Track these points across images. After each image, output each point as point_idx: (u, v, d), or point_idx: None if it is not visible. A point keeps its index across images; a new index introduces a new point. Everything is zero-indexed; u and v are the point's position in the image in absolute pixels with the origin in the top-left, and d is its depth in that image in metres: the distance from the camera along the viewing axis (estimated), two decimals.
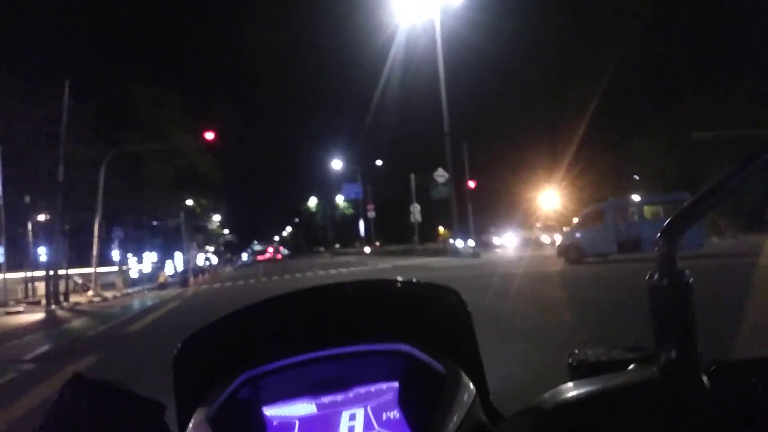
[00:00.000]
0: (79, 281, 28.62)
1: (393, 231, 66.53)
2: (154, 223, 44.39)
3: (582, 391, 0.43)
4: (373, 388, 0.80)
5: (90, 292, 23.40)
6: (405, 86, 45.97)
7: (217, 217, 69.05)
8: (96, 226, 23.48)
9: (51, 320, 15.42)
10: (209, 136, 23.19)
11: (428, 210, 40.38)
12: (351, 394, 0.79)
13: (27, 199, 21.25)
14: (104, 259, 32.21)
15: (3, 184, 22.14)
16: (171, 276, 31.24)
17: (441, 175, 38.73)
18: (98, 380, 0.64)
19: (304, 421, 0.78)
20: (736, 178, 0.40)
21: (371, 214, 53.31)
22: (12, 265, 23.92)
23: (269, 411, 0.79)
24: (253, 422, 0.78)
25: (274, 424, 0.78)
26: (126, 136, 28.35)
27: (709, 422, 0.38)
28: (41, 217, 24.75)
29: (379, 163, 59.60)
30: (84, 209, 25.61)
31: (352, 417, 0.78)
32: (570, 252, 17.80)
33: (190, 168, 33.47)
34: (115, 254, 38.29)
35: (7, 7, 23.82)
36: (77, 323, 14.16)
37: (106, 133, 27.58)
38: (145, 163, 29.55)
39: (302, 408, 0.79)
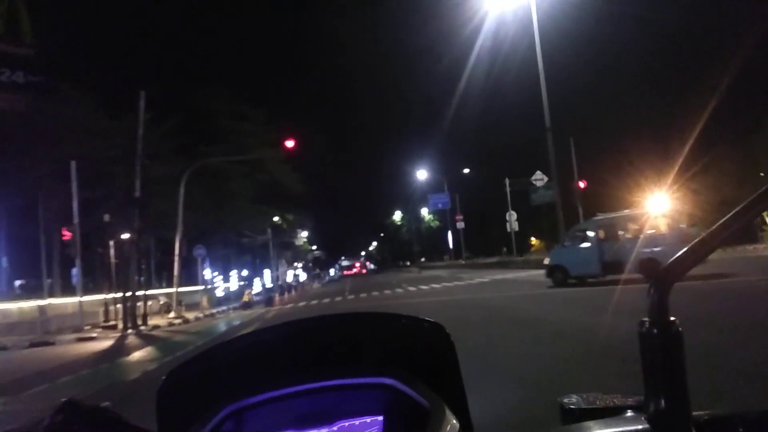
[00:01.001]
0: (163, 302, 27.96)
1: (482, 243, 62.75)
2: (243, 240, 43.99)
3: None
4: (357, 421, 0.79)
5: (171, 314, 22.25)
6: (493, 88, 42.78)
7: (304, 234, 68.75)
8: (177, 244, 22.37)
9: (116, 348, 13.89)
10: (290, 144, 21.49)
11: (518, 219, 36.65)
12: (335, 428, 0.79)
13: (106, 217, 20.39)
14: (193, 278, 31.68)
15: (81, 204, 21.62)
16: (257, 294, 29.88)
17: (539, 178, 35.05)
18: (89, 406, 0.64)
19: None
20: (737, 221, 0.38)
21: (460, 224, 50.09)
22: (95, 287, 23.41)
23: None
24: None
25: None
26: (208, 150, 27.47)
27: None
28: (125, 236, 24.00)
29: (466, 171, 56.48)
30: (167, 228, 24.77)
31: None
32: (555, 273, 16.73)
33: (273, 182, 32.32)
34: (207, 273, 38.12)
35: (87, 24, 23.52)
36: (141, 353, 12.43)
37: (188, 148, 26.69)
38: (227, 179, 28.61)
39: None
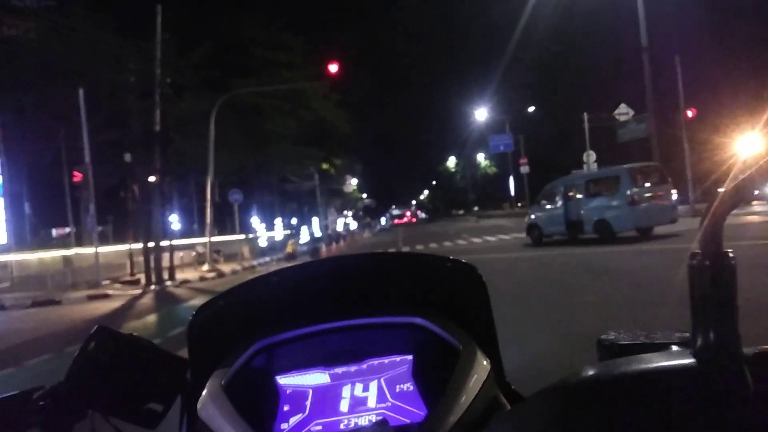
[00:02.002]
0: (198, 252, 25.70)
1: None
2: (287, 186, 41.39)
3: (611, 370, 0.42)
4: (387, 360, 0.80)
5: (204, 266, 19.77)
6: (565, 6, 37.05)
7: (353, 181, 65.98)
8: (208, 188, 19.62)
9: (122, 312, 11.26)
10: (333, 68, 17.89)
11: (598, 161, 31.84)
12: (365, 366, 0.80)
13: (127, 157, 17.68)
14: (239, 227, 29.30)
15: (106, 144, 19.06)
16: (303, 244, 27.18)
17: (624, 112, 30.09)
18: (122, 333, 0.65)
19: (318, 390, 0.79)
20: None
21: (524, 169, 45.49)
22: (124, 237, 21.16)
23: (283, 380, 0.80)
24: (267, 391, 0.79)
25: (288, 392, 0.79)
26: (242, 84, 24.25)
27: (745, 411, 0.37)
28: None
29: (531, 109, 51.17)
30: (203, 171, 22.05)
31: (366, 388, 0.78)
32: (533, 231, 16.46)
33: (317, 120, 28.96)
34: (255, 222, 35.89)
35: None
36: (144, 322, 9.69)
37: (220, 81, 23.56)
38: (265, 116, 25.43)
39: (316, 378, 0.79)
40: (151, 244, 16.53)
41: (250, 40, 25.93)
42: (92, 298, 13.84)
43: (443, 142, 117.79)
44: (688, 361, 0.40)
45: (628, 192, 13.09)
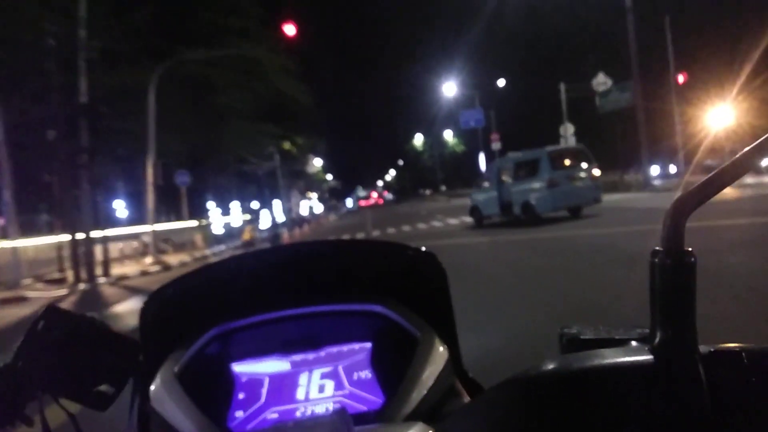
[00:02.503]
0: (146, 242, 23.14)
1: None
2: (246, 168, 38.69)
3: (570, 364, 0.42)
4: (345, 347, 0.79)
5: (148, 258, 17.35)
6: None
7: (317, 161, 63.50)
8: (149, 170, 17.11)
9: (24, 323, 8.93)
10: (290, 30, 15.55)
11: (577, 134, 30.27)
12: (323, 353, 0.79)
13: (50, 135, 15.02)
14: (195, 212, 26.68)
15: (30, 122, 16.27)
16: (264, 230, 24.82)
17: (602, 81, 28.63)
18: (73, 313, 0.64)
19: (274, 378, 0.78)
20: (756, 155, 0.37)
21: (496, 145, 43.91)
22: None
23: (238, 368, 0.78)
24: (222, 378, 0.78)
25: (243, 380, 0.78)
26: (189, 54, 21.50)
27: (698, 408, 0.38)
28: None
29: (501, 83, 49.45)
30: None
31: (323, 376, 0.77)
32: (474, 212, 16.51)
33: (275, 94, 26.40)
34: (211, 206, 33.19)
35: None
36: None
37: (163, 50, 20.80)
38: (216, 90, 22.72)
39: (272, 365, 0.78)
40: (81, 236, 14.04)
41: (197, 3, 23.10)
42: (5, 302, 11.40)
43: (410, 120, 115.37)
44: (646, 357, 0.40)
45: (547, 175, 13.36)
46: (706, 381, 0.38)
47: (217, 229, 26.16)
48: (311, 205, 68.69)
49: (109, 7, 18.64)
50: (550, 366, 0.43)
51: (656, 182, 23.10)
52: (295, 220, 42.60)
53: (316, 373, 0.78)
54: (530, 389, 0.43)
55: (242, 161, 37.27)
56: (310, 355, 0.79)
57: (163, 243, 22.76)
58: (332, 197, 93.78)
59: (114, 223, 31.34)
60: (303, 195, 67.37)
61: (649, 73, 21.09)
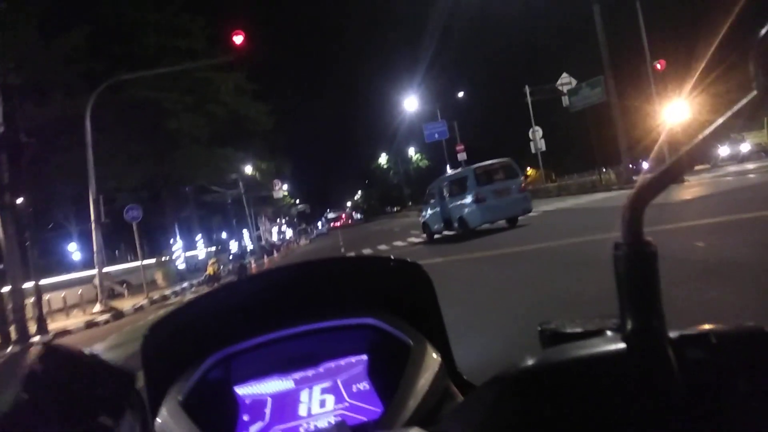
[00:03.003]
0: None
1: None
2: (207, 198, 36.79)
3: (547, 358, 0.45)
4: (342, 362, 0.82)
5: (97, 306, 15.41)
6: None
7: (284, 186, 61.82)
8: (91, 204, 15.28)
9: None
10: (238, 39, 14.14)
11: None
12: (321, 369, 0.81)
13: None
14: (158, 249, 24.65)
15: None
16: (230, 260, 22.96)
17: (566, 82, 28.03)
18: (70, 350, 0.65)
19: (276, 397, 0.80)
20: (707, 144, 0.39)
21: (462, 156, 43.10)
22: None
23: (241, 390, 0.81)
24: (226, 402, 0.80)
25: (247, 402, 0.80)
26: (133, 80, 19.83)
27: (669, 393, 0.39)
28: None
29: (461, 94, 48.94)
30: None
31: (324, 391, 0.80)
32: (425, 228, 17.07)
33: (231, 116, 24.78)
34: (177, 240, 31.06)
35: None
36: None
37: (103, 76, 19.07)
38: (165, 114, 21.00)
39: (274, 385, 0.81)
40: (7, 288, 12.12)
41: (139, 24, 21.46)
42: None
43: (374, 139, 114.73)
44: (618, 346, 0.42)
45: (474, 191, 13.88)
46: (676, 364, 0.39)
47: (180, 264, 24.18)
48: (282, 230, 66.68)
49: (35, 32, 16.92)
50: (532, 361, 0.44)
51: (638, 177, 22.40)
52: (264, 248, 40.74)
53: (317, 389, 0.80)
54: (515, 384, 0.44)
55: (205, 191, 35.39)
56: (310, 372, 0.82)
57: (118, 286, 20.76)
58: (302, 221, 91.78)
59: (67, 267, 29.06)
60: (272, 221, 65.35)
61: (619, 67, 20.34)
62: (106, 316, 14.33)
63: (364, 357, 0.82)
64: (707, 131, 0.39)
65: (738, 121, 0.37)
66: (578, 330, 0.53)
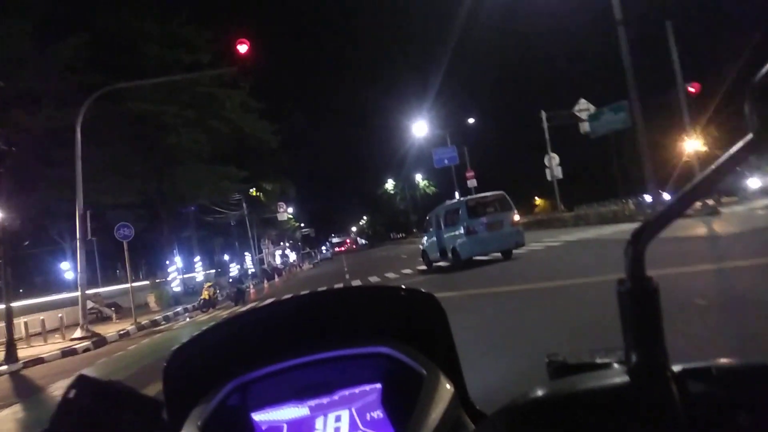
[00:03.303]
0: (89, 308, 19.73)
1: None
2: (208, 218, 35.71)
3: (554, 390, 0.46)
4: (357, 390, 0.83)
5: (77, 331, 14.10)
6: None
7: (289, 209, 60.85)
8: (77, 220, 14.12)
9: None
10: (242, 48, 13.19)
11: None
12: (336, 397, 0.83)
13: None
14: (138, 271, 23.39)
15: None
16: (230, 282, 21.65)
17: (584, 108, 27.02)
18: (100, 380, 0.68)
19: (292, 424, 0.82)
20: (707, 185, 0.40)
21: (472, 182, 42.01)
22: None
23: (258, 416, 0.83)
24: (243, 428, 0.81)
25: (263, 428, 0.82)
26: (132, 92, 18.89)
27: (673, 423, 0.39)
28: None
29: (473, 119, 48.09)
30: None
31: (338, 419, 0.81)
32: (424, 257, 17.00)
33: (235, 134, 23.76)
34: (175, 261, 29.70)
35: None
36: None
37: (101, 87, 18.23)
38: (164, 128, 19.97)
39: (290, 412, 0.82)
40: None
41: (141, 35, 20.61)
42: None
43: (381, 164, 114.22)
44: (623, 379, 0.43)
45: (465, 223, 13.81)
46: (678, 397, 0.40)
47: (176, 287, 22.90)
48: (285, 253, 65.36)
49: (29, 38, 16.02)
50: (539, 393, 0.45)
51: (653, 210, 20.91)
52: (267, 271, 39.42)
53: (331, 417, 0.82)
54: (524, 415, 0.46)
55: (207, 211, 34.29)
56: (325, 400, 0.83)
57: (106, 308, 19.48)
58: (306, 245, 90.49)
59: (60, 287, 27.81)
60: (276, 245, 64.13)
61: (644, 92, 19.23)
62: (86, 343, 13.03)
63: (378, 385, 0.83)
64: (706, 172, 0.39)
65: (736, 162, 0.38)
66: (584, 362, 0.53)
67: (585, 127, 26.53)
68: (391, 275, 17.24)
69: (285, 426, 0.82)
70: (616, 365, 0.48)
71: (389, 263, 24.27)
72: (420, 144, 53.56)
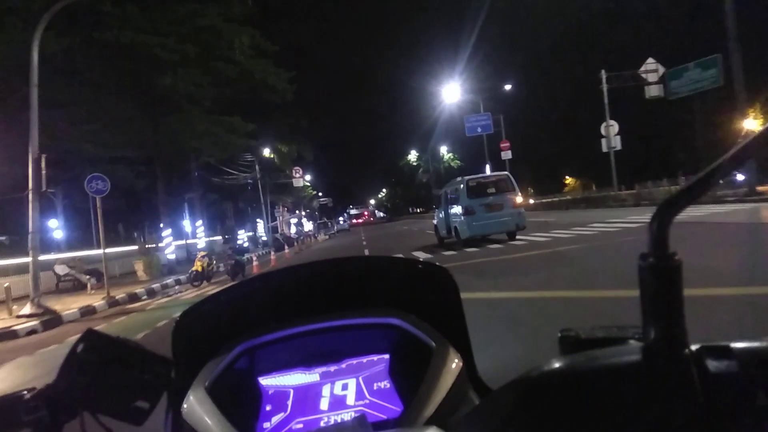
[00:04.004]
0: (60, 273, 16.93)
1: (533, 176, 50.82)
2: (216, 179, 32.80)
3: (566, 365, 0.45)
4: (365, 359, 0.84)
5: (27, 307, 11.20)
6: None
7: (306, 177, 57.87)
8: (30, 166, 11.11)
9: None
10: None
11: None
12: (344, 365, 0.84)
13: None
14: (116, 234, 20.58)
15: None
16: (228, 253, 18.71)
17: (652, 69, 23.18)
18: (110, 336, 0.68)
19: (299, 390, 0.82)
20: (732, 164, 0.40)
21: (506, 154, 38.29)
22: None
23: (265, 381, 0.83)
24: (249, 391, 0.82)
25: (270, 393, 0.83)
26: (118, 15, 15.64)
27: (688, 403, 0.39)
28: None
29: (507, 87, 43.98)
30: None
31: (345, 387, 0.82)
32: (437, 233, 16.87)
33: (245, 79, 20.41)
34: (187, 224, 26.77)
35: None
36: None
37: (81, 13, 15.12)
38: (157, 64, 16.68)
39: (297, 378, 0.83)
40: None
41: None
42: None
43: (405, 134, 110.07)
44: (638, 356, 0.42)
45: (464, 203, 13.66)
46: (696, 375, 0.39)
47: (170, 254, 20.04)
48: (300, 222, 62.64)
49: None
50: (550, 367, 0.45)
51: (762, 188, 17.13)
52: (279, 240, 36.61)
53: (338, 385, 0.82)
54: (532, 390, 0.45)
55: (216, 172, 31.30)
56: (332, 368, 0.83)
57: (83, 275, 16.67)
58: (323, 215, 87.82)
59: (49, 247, 25.29)
60: (291, 212, 61.34)
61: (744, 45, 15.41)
62: (33, 323, 10.13)
63: (387, 356, 0.83)
64: (733, 151, 0.39)
65: (764, 142, 0.38)
66: (598, 337, 0.53)
67: (652, 90, 22.76)
68: (420, 255, 14.08)
69: (291, 391, 0.82)
70: (632, 342, 0.47)
71: (413, 239, 21.24)
72: (449, 112, 49.73)
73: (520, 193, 13.84)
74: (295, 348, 0.85)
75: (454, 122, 52.45)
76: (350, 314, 0.86)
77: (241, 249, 17.63)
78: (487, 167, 43.03)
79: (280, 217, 47.23)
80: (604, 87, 23.36)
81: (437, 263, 0.90)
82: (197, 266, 16.12)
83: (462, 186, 14.12)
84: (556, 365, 0.45)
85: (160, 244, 21.06)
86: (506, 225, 13.53)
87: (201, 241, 25.10)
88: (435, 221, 17.27)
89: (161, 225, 20.84)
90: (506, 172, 14.56)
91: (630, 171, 27.14)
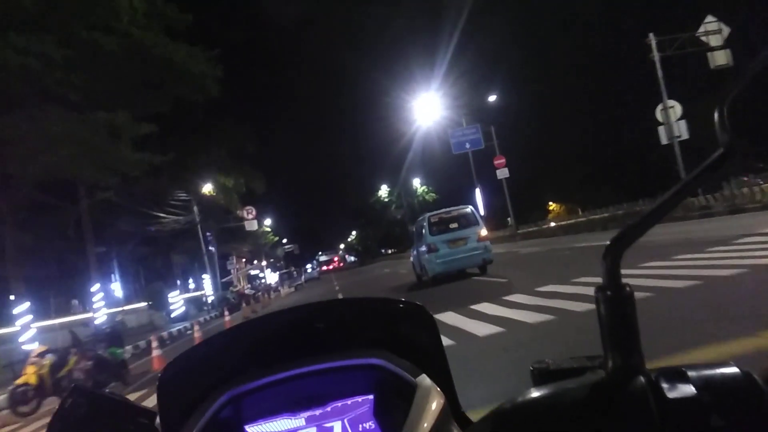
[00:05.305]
0: None
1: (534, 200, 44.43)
2: (150, 228, 25.30)
3: (537, 395, 0.49)
4: (349, 401, 0.84)
5: None
6: None
7: (266, 222, 49.96)
8: None
9: None
10: None
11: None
12: (329, 408, 0.83)
13: None
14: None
15: None
16: (94, 337, 10.75)
17: (714, 29, 17.18)
18: (96, 391, 0.70)
19: None
20: (679, 198, 0.43)
21: (502, 172, 31.78)
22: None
23: (251, 429, 0.83)
24: None
25: None
26: None
27: (648, 425, 0.42)
28: None
29: (492, 99, 37.88)
30: None
31: (330, 430, 0.82)
32: (413, 268, 16.29)
33: (140, 59, 12.92)
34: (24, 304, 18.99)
35: None
36: None
37: None
38: None
39: (283, 424, 0.83)
40: None
41: None
42: None
43: (373, 170, 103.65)
44: (602, 382, 0.46)
45: (427, 240, 13.49)
46: (653, 399, 0.42)
47: (28, 342, 12.18)
48: (259, 276, 54.45)
49: None
50: (522, 399, 0.48)
51: None
52: (230, 300, 28.79)
53: (324, 428, 0.82)
54: (507, 421, 0.48)
55: (141, 217, 23.65)
56: (317, 411, 0.83)
57: None
58: (290, 264, 79.30)
59: None
60: (249, 263, 53.15)
61: None
62: None
63: (371, 396, 0.84)
64: (678, 186, 0.42)
65: (709, 174, 0.40)
66: (566, 367, 0.56)
67: (717, 58, 16.62)
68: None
69: None
70: (598, 371, 0.50)
71: (392, 281, 18.51)
72: (423, 137, 43.59)
73: (484, 227, 13.65)
74: (280, 394, 0.83)
75: (430, 147, 46.46)
76: (332, 357, 0.84)
77: (112, 336, 9.86)
78: (477, 192, 36.35)
79: (234, 270, 39.19)
80: (656, 56, 17.08)
81: (418, 302, 0.90)
82: (29, 376, 8.48)
83: (425, 223, 13.95)
84: (527, 397, 0.48)
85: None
86: (472, 260, 13.18)
87: (100, 313, 17.15)
88: (411, 259, 16.85)
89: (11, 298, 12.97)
90: (469, 206, 14.27)
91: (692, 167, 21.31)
